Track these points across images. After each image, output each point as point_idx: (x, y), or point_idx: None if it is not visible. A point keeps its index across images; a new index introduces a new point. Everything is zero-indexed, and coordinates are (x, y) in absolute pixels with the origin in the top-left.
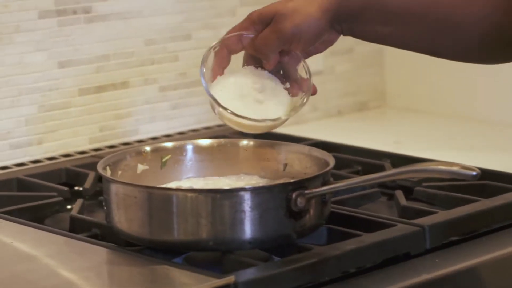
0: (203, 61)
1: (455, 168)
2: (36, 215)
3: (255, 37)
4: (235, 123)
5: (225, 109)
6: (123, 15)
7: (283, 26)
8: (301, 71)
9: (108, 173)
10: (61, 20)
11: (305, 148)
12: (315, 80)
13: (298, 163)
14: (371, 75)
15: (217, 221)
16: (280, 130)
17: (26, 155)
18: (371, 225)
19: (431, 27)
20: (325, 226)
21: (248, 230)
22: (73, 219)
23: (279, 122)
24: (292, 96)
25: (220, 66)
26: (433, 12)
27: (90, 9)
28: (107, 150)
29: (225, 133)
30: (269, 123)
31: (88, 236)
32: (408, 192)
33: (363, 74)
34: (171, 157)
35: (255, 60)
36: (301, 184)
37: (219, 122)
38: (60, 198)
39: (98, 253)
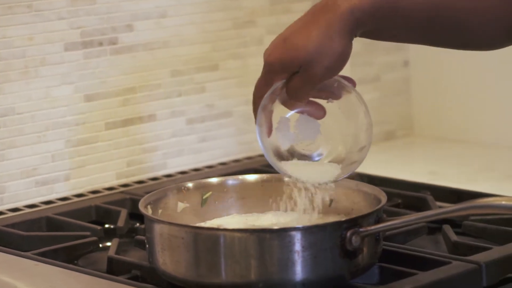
0: (263, 143)
1: None
2: (70, 256)
3: (284, 85)
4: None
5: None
6: (149, 46)
7: (314, 73)
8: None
9: (149, 211)
10: (87, 52)
11: (353, 183)
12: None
13: (345, 198)
14: (398, 103)
15: (268, 262)
16: None
17: (52, 192)
18: (424, 263)
19: (439, 31)
20: (376, 265)
21: (300, 271)
22: (111, 260)
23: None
24: (335, 99)
25: (268, 118)
26: (440, 17)
27: (117, 40)
28: (136, 185)
29: (255, 165)
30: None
31: (128, 278)
32: (454, 225)
33: (390, 102)
34: (212, 193)
35: None
36: (355, 222)
37: (247, 154)
38: (94, 238)
39: None
